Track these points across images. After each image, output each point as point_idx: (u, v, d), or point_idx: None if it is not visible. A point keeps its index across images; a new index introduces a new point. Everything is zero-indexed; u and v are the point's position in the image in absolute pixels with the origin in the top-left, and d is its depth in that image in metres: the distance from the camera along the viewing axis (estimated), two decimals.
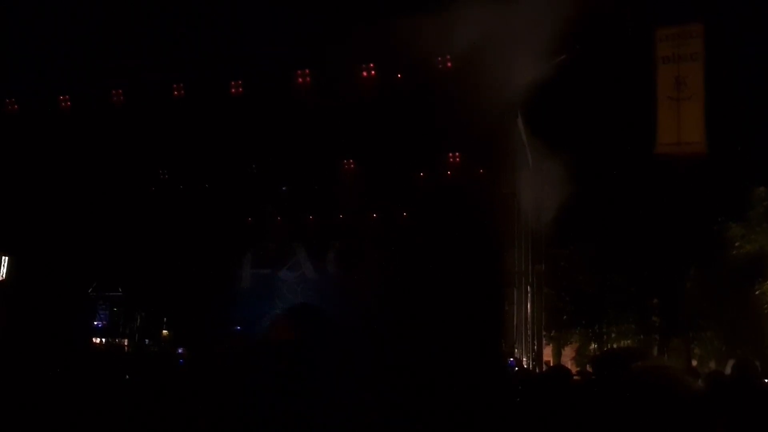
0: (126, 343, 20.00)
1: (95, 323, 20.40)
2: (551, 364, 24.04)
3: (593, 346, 33.25)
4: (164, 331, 20.29)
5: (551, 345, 33.23)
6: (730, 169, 24.31)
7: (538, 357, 20.25)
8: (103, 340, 20.16)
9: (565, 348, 34.69)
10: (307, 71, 13.42)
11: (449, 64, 12.57)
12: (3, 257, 18.16)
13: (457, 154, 14.11)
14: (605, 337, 32.31)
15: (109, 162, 14.97)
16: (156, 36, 14.11)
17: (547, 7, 11.33)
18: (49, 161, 14.92)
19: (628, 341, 31.22)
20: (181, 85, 13.84)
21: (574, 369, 27.16)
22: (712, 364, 28.94)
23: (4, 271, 18.14)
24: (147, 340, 19.73)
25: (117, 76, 14.36)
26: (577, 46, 12.59)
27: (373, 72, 13.06)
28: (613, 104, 19.76)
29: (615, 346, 31.17)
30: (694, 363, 27.73)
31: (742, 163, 25.30)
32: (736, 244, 26.07)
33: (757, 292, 25.52)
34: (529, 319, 19.47)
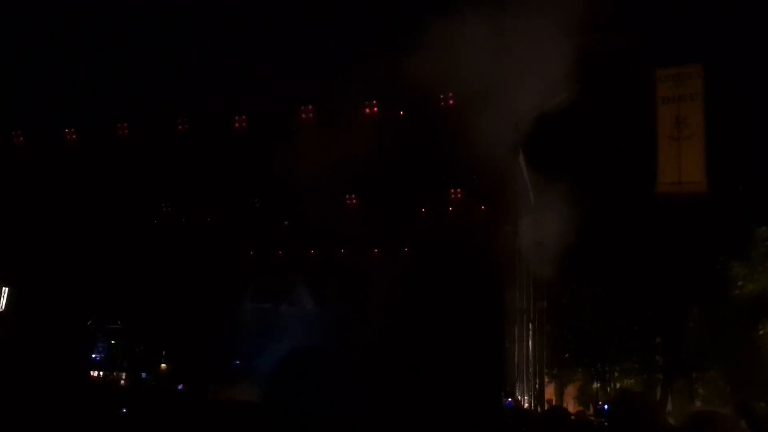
0: (123, 377, 19.84)
1: (93, 356, 20.26)
2: (554, 404, 23.76)
3: (596, 384, 32.93)
4: (163, 365, 20.14)
5: (553, 383, 32.90)
6: (732, 208, 24.30)
7: (539, 396, 20.04)
8: (101, 373, 20.01)
9: (568, 387, 34.34)
10: (310, 107, 13.57)
11: (451, 102, 12.69)
12: (3, 288, 18.13)
13: (458, 190, 14.15)
14: (608, 376, 32.01)
15: (112, 194, 15.03)
16: (160, 70, 14.28)
17: (549, 46, 11.46)
18: (52, 193, 14.99)
19: (631, 380, 30.92)
20: (185, 119, 13.97)
21: (575, 408, 26.85)
22: (717, 405, 28.57)
23: (4, 302, 18.10)
24: (145, 374, 19.57)
25: (122, 109, 14.51)
26: (577, 86, 12.70)
27: (375, 108, 13.19)
28: (614, 144, 19.87)
29: (618, 385, 30.86)
30: (698, 404, 27.42)
31: (744, 202, 25.30)
32: (739, 283, 25.96)
33: (760, 332, 25.34)
34: (531, 357, 19.30)
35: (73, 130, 14.53)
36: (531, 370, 19.39)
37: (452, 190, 14.24)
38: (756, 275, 25.63)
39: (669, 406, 28.10)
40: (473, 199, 14.04)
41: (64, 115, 14.89)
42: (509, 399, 13.86)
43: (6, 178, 14.96)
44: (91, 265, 16.01)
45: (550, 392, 30.02)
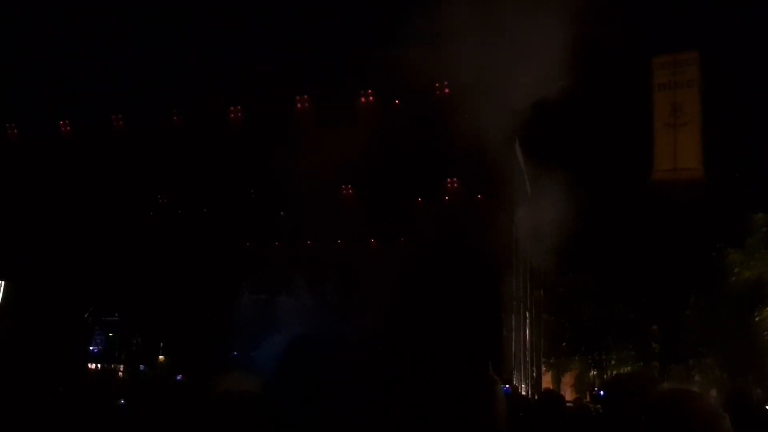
0: (122, 369, 19.83)
1: (91, 348, 20.24)
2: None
3: (593, 372, 33.00)
4: (161, 357, 20.13)
5: (550, 372, 32.97)
6: (729, 195, 24.30)
7: (536, 384, 20.10)
8: (99, 365, 20.00)
9: (565, 375, 34.41)
10: (306, 97, 13.54)
11: (447, 91, 12.68)
12: (0, 282, 18.08)
13: (455, 180, 14.15)
14: (605, 364, 32.07)
15: (108, 187, 15.00)
16: (157, 63, 14.23)
17: (545, 35, 11.43)
18: (48, 186, 14.95)
19: (628, 368, 30.98)
20: (181, 111, 13.95)
21: (573, 396, 26.94)
22: (713, 392, 28.65)
23: (1, 296, 18.06)
24: (143, 366, 19.56)
25: (117, 101, 14.48)
26: (574, 75, 12.68)
27: (371, 98, 13.17)
28: (610, 132, 19.85)
29: (615, 372, 30.90)
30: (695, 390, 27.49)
31: (741, 189, 25.29)
32: (735, 270, 25.92)
33: (756, 319, 25.35)
34: (528, 346, 19.35)
35: (67, 122, 14.49)
36: (528, 358, 19.44)
37: (449, 180, 14.23)
38: (752, 262, 25.61)
39: None
40: (469, 188, 14.04)
41: (63, 112, 14.85)
42: (506, 386, 13.88)
43: (1, 173, 14.92)
44: (89, 257, 15.98)
45: (547, 381, 30.06)
